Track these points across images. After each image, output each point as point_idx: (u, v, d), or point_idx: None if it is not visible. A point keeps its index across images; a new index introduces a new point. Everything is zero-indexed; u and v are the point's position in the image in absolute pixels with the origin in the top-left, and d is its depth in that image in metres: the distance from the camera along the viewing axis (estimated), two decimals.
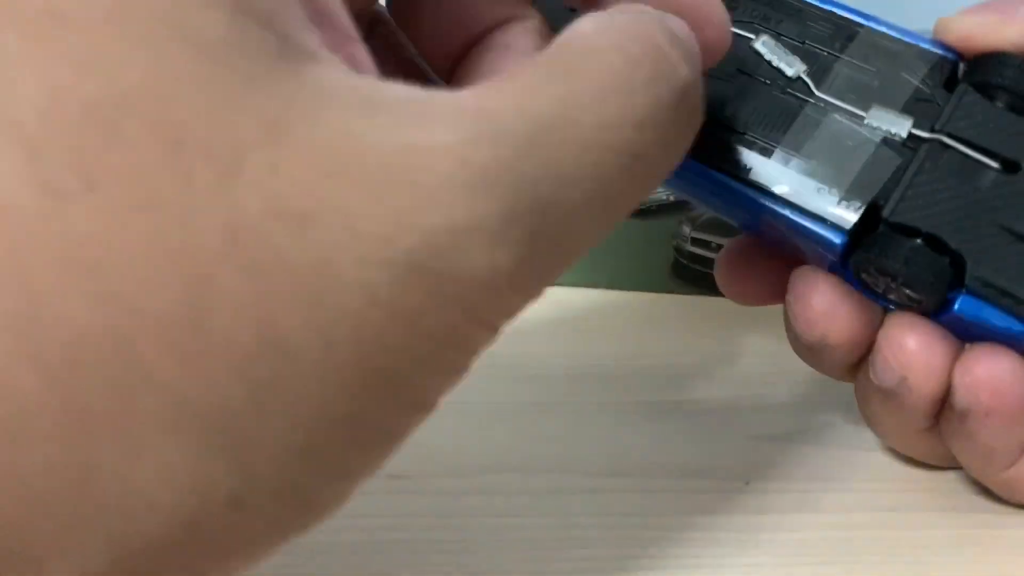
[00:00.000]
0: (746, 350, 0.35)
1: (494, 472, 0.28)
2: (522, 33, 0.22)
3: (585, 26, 0.18)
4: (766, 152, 0.24)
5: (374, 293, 0.14)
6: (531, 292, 0.16)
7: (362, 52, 0.17)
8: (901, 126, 0.24)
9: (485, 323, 0.16)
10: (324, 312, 0.14)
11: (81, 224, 0.13)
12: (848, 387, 0.33)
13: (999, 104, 0.24)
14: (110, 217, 0.13)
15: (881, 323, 0.25)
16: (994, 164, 0.23)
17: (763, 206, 0.24)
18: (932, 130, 0.24)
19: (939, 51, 0.25)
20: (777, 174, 0.24)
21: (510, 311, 0.16)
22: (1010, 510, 0.26)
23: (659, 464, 0.29)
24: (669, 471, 0.28)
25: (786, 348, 0.31)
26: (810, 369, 0.30)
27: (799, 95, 0.24)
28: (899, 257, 0.23)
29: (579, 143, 0.16)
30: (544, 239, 0.16)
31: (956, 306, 0.23)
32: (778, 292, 0.26)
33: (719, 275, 0.29)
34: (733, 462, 0.29)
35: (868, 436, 0.30)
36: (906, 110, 0.24)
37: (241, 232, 0.13)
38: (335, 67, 0.15)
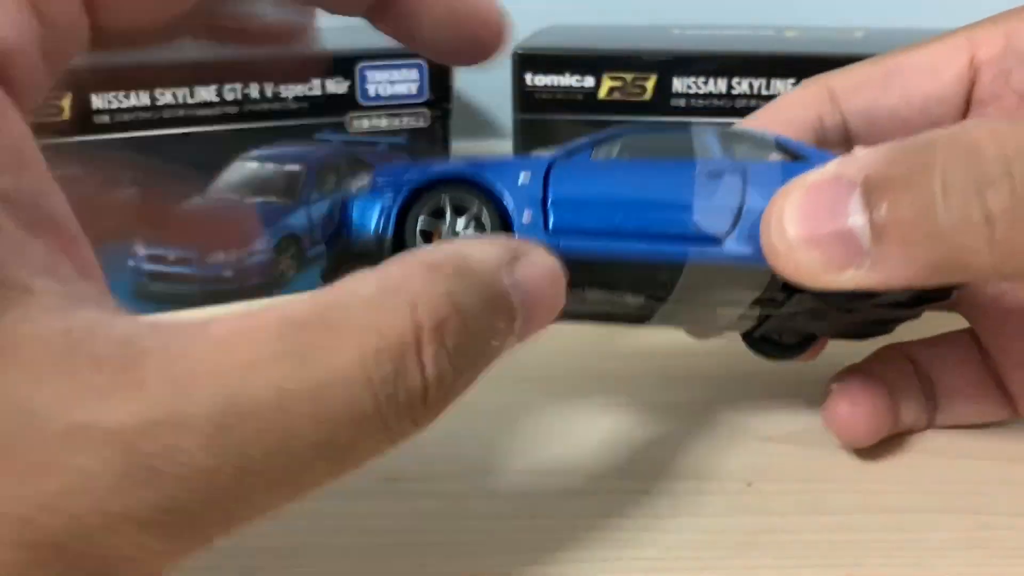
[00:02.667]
0: (748, 352, 0.35)
1: (494, 474, 0.28)
2: None
3: (364, 289, 0.17)
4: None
5: (9, 572, 0.14)
6: (190, 552, 0.16)
7: (89, 255, 0.17)
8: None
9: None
10: None
11: None
12: None
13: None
14: None
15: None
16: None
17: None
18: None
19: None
20: None
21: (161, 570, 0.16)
22: (1013, 512, 0.26)
23: (661, 465, 0.28)
24: (671, 472, 0.28)
25: None
26: (812, 370, 0.30)
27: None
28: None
29: (280, 434, 0.16)
30: (209, 519, 0.15)
31: None
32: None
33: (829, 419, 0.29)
34: (735, 463, 0.28)
35: None
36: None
37: None
38: (45, 304, 0.15)
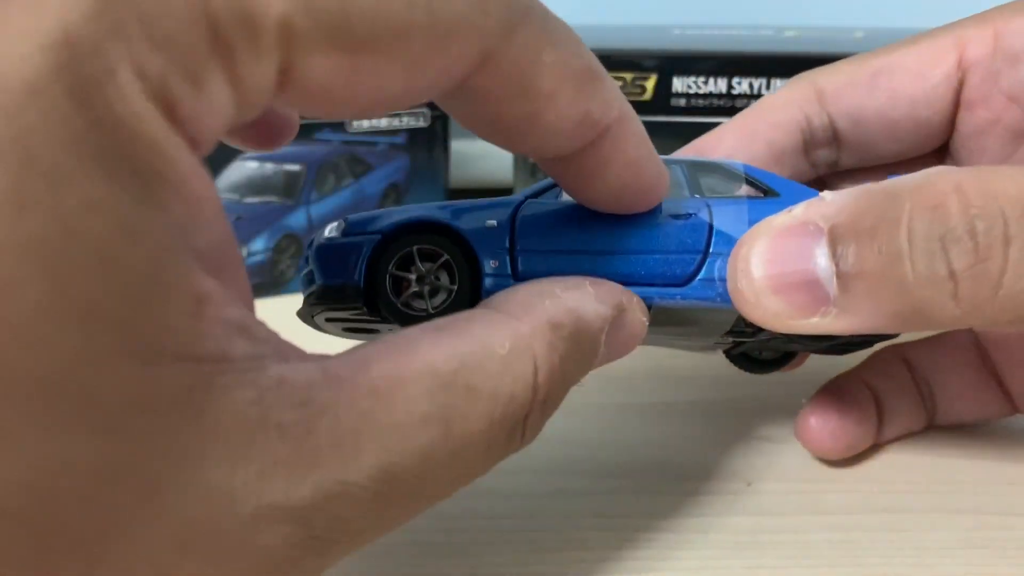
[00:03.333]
0: None
1: (493, 474, 0.28)
2: None
3: (498, 346, 0.18)
4: None
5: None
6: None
7: (247, 282, 0.17)
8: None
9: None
10: None
11: None
12: None
13: None
14: None
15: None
16: None
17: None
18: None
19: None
20: None
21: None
22: (1013, 512, 0.26)
23: (661, 465, 0.28)
24: (671, 472, 0.28)
25: None
26: (812, 371, 0.30)
27: None
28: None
29: (423, 501, 0.17)
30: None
31: None
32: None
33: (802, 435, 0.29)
34: (735, 463, 0.29)
35: None
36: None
37: None
38: (239, 369, 0.15)
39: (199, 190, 0.15)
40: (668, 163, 0.24)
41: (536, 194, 0.24)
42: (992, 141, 0.28)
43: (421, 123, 0.44)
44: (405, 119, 0.44)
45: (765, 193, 0.25)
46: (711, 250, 0.23)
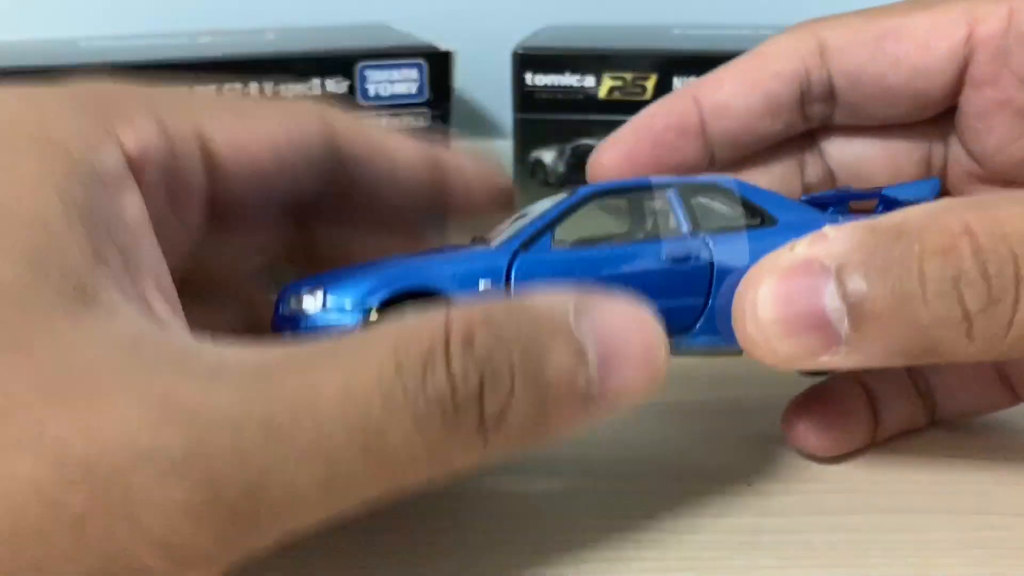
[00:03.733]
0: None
1: (493, 474, 0.28)
2: None
3: (405, 317, 0.19)
4: None
5: (40, 488, 0.15)
6: (227, 538, 0.17)
7: (162, 306, 0.20)
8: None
9: (162, 550, 0.16)
10: None
11: None
12: None
13: None
14: None
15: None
16: None
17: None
18: None
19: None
20: None
21: (198, 547, 0.16)
22: (1013, 512, 0.26)
23: (662, 465, 0.28)
24: (672, 472, 0.28)
25: None
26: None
27: None
28: None
29: (309, 418, 0.17)
30: (236, 490, 0.16)
31: None
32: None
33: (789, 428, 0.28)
34: (736, 463, 0.28)
35: None
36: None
37: None
38: (127, 316, 0.18)
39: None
40: (660, 186, 0.24)
41: (526, 243, 0.23)
42: (999, 122, 0.27)
43: (421, 123, 0.44)
44: (405, 118, 0.44)
45: (762, 219, 0.24)
46: (713, 292, 0.23)
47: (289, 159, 0.25)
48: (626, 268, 0.23)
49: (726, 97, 0.28)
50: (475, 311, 0.18)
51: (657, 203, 0.24)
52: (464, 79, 0.49)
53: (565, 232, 0.24)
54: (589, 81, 0.44)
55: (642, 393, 0.20)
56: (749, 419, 0.31)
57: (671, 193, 0.24)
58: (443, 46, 0.46)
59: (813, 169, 0.30)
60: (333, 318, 0.22)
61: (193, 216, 0.25)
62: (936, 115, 0.29)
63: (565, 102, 0.45)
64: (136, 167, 0.21)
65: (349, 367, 0.17)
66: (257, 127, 0.24)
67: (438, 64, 0.45)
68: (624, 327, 0.19)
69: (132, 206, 0.21)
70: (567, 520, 0.26)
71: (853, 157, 0.30)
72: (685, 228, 0.24)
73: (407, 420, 0.17)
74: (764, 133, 0.29)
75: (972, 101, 0.28)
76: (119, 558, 0.16)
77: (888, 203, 0.26)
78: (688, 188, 0.24)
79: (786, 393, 0.32)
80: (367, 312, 0.22)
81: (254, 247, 0.27)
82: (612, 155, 0.28)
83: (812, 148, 0.30)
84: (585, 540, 0.25)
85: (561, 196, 0.25)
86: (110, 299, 0.18)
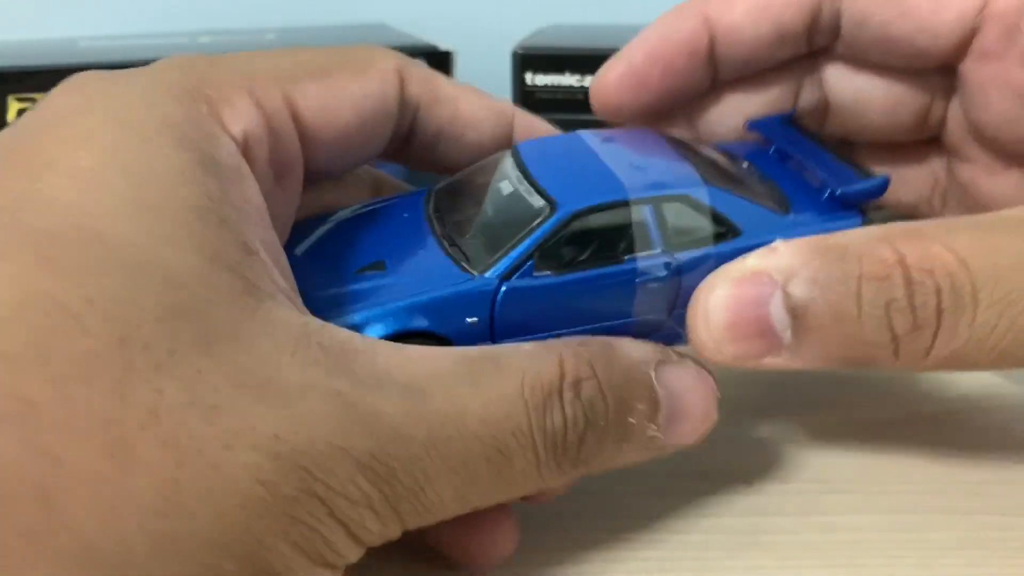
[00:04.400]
0: None
1: None
2: None
3: (524, 345, 0.22)
4: None
5: (260, 475, 0.17)
6: (388, 526, 0.19)
7: (293, 293, 0.21)
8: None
9: (346, 532, 0.19)
10: (221, 482, 0.17)
11: (31, 387, 0.16)
12: (851, 389, 0.33)
13: None
14: (55, 384, 0.16)
15: None
16: None
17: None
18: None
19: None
20: None
21: (371, 532, 0.19)
22: (1014, 512, 0.26)
23: (662, 465, 0.28)
24: (672, 472, 0.28)
25: None
26: (814, 371, 0.30)
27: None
28: None
29: (455, 433, 0.20)
30: (403, 489, 0.19)
31: None
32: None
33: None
34: (736, 463, 0.28)
35: (872, 438, 0.30)
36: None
37: (162, 412, 0.17)
38: (287, 307, 0.20)
39: (247, 191, 0.21)
40: (637, 202, 0.24)
41: (509, 272, 0.23)
42: (998, 99, 0.27)
43: None
44: None
45: (728, 231, 0.24)
46: (677, 305, 0.24)
47: (371, 120, 0.25)
48: (604, 291, 0.24)
49: (738, 21, 0.28)
50: (582, 356, 0.21)
51: (633, 217, 0.24)
52: (464, 79, 0.49)
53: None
54: (589, 81, 0.44)
55: (691, 442, 0.23)
56: (750, 419, 0.31)
57: (646, 210, 0.24)
58: (443, 46, 0.46)
59: (810, 94, 0.30)
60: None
61: (294, 190, 0.25)
62: (941, 70, 0.29)
63: (565, 102, 0.45)
64: (244, 151, 0.22)
65: (486, 396, 0.20)
66: (341, 92, 0.25)
67: (438, 64, 0.45)
68: (692, 389, 0.23)
69: (254, 194, 0.22)
70: (567, 520, 0.26)
71: (853, 92, 0.30)
72: (659, 247, 0.24)
73: (530, 450, 0.20)
74: (769, 59, 0.29)
75: (974, 72, 0.28)
76: (316, 535, 0.18)
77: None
78: (662, 201, 0.24)
79: (787, 393, 0.32)
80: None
81: (327, 206, 0.27)
82: (619, 78, 0.29)
83: (812, 74, 0.30)
84: (585, 540, 0.25)
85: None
86: (269, 291, 0.20)
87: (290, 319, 0.19)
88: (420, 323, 0.23)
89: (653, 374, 0.22)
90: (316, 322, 0.20)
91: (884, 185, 0.26)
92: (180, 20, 0.54)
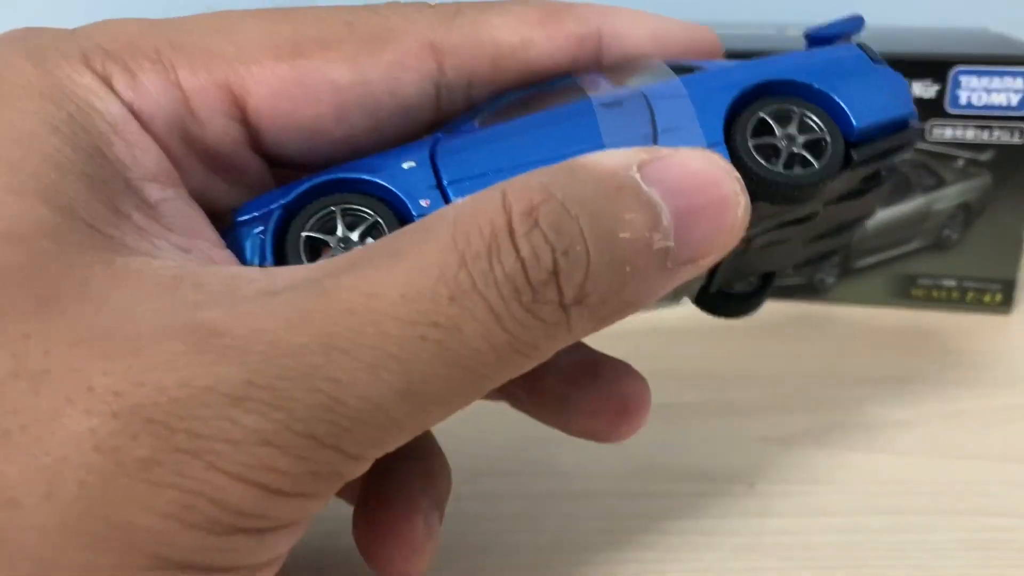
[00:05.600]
0: (751, 352, 0.35)
1: (493, 475, 0.28)
2: None
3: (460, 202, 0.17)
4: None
5: (97, 442, 0.15)
6: (310, 459, 0.16)
7: (206, 248, 0.19)
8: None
9: (245, 479, 0.15)
10: (48, 460, 0.15)
11: None
12: (851, 389, 0.33)
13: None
14: None
15: None
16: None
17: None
18: None
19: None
20: None
21: (285, 473, 0.16)
22: (1016, 513, 0.26)
23: (663, 466, 0.28)
24: (673, 473, 0.28)
25: (791, 350, 0.31)
26: (815, 371, 0.30)
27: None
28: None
29: (368, 315, 0.16)
30: (307, 409, 0.15)
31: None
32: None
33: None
34: (738, 465, 0.28)
35: (873, 439, 0.30)
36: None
37: None
38: (142, 255, 0.17)
39: (131, 138, 0.19)
40: (583, 76, 0.22)
41: (450, 128, 0.22)
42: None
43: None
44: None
45: (691, 69, 0.22)
46: (659, 128, 0.21)
47: (369, 110, 0.21)
48: (557, 125, 0.21)
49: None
50: (532, 182, 0.17)
51: (585, 81, 0.22)
52: None
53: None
54: None
55: (724, 246, 0.18)
56: (751, 420, 0.31)
57: (599, 75, 0.22)
58: None
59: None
60: (244, 233, 0.21)
61: (249, 183, 0.22)
62: None
63: None
64: (144, 124, 0.20)
65: (405, 269, 0.16)
66: (311, 77, 0.21)
67: None
68: (696, 176, 0.18)
69: (144, 162, 0.19)
70: (569, 522, 0.26)
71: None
72: (611, 86, 0.22)
73: (482, 311, 0.16)
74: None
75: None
76: (200, 494, 0.15)
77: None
78: (613, 66, 0.23)
79: (788, 394, 0.32)
80: (280, 215, 0.20)
81: None
82: None
83: None
84: (586, 541, 0.25)
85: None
86: (143, 249, 0.17)
87: (161, 267, 0.17)
88: (341, 176, 0.21)
89: (638, 175, 0.17)
90: (205, 267, 0.17)
91: (860, 21, 0.25)
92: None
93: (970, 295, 0.39)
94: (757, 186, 0.20)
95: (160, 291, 0.16)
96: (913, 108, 0.23)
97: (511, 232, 0.16)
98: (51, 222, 0.16)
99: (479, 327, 0.16)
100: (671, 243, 0.17)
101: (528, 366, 0.17)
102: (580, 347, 0.24)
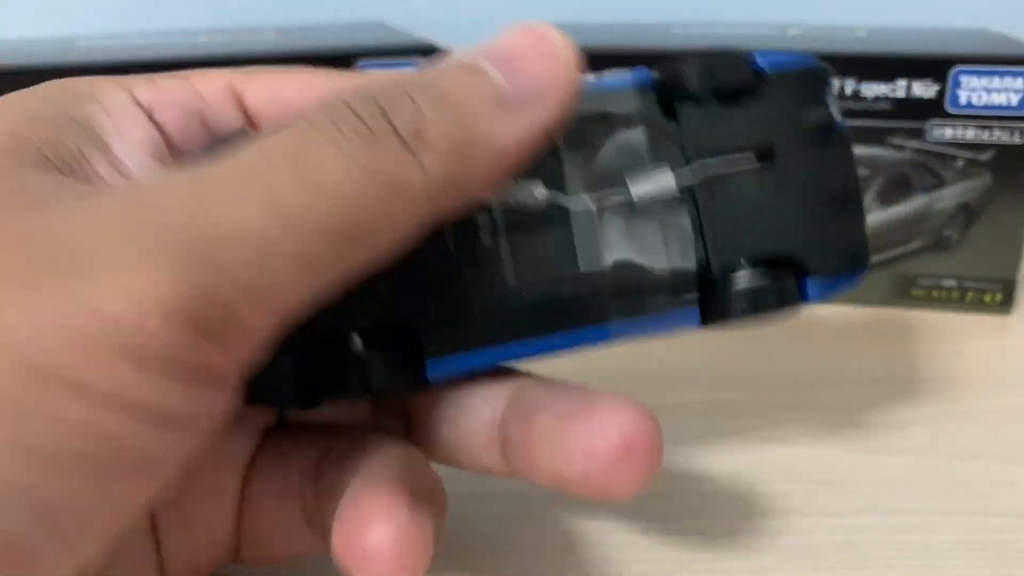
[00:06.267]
0: (751, 352, 0.35)
1: (492, 476, 0.28)
2: None
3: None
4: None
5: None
6: (206, 326, 0.15)
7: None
8: (666, 182, 0.22)
9: (137, 361, 0.14)
10: None
11: None
12: (851, 389, 0.33)
13: (714, 104, 0.22)
14: None
15: None
16: (753, 162, 0.22)
17: (613, 333, 0.23)
18: (689, 163, 0.22)
19: (630, 84, 0.22)
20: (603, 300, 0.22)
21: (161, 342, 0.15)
22: (1016, 513, 0.26)
23: (663, 466, 0.28)
24: (673, 473, 0.28)
25: (791, 349, 0.31)
26: (815, 371, 0.30)
27: (557, 216, 0.22)
28: (750, 302, 0.22)
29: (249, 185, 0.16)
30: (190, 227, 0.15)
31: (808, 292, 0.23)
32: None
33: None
34: (738, 465, 0.28)
35: (873, 439, 0.30)
36: (655, 160, 0.22)
37: None
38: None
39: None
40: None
41: None
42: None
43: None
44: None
45: None
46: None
47: None
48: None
49: None
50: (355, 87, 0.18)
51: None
52: None
53: None
54: None
55: (563, 85, 0.19)
56: (751, 420, 0.31)
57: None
58: (442, 44, 0.46)
59: None
60: None
61: None
62: None
63: None
64: (159, 108, 0.22)
65: (261, 145, 0.17)
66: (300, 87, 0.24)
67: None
68: (508, 34, 0.20)
69: (133, 128, 0.22)
70: (570, 522, 0.26)
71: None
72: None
73: (326, 143, 0.17)
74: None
75: None
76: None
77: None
78: None
79: (788, 393, 0.32)
80: None
81: None
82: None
83: None
84: (585, 542, 0.25)
85: None
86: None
87: (61, 186, 0.18)
88: None
89: (457, 56, 0.19)
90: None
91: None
92: (180, 20, 0.54)
93: (970, 295, 0.39)
94: None
95: (72, 205, 0.16)
96: None
97: (348, 106, 0.17)
98: (8, 145, 0.18)
99: (331, 155, 0.17)
100: (500, 80, 0.18)
101: (398, 209, 0.17)
102: (576, 387, 0.23)
